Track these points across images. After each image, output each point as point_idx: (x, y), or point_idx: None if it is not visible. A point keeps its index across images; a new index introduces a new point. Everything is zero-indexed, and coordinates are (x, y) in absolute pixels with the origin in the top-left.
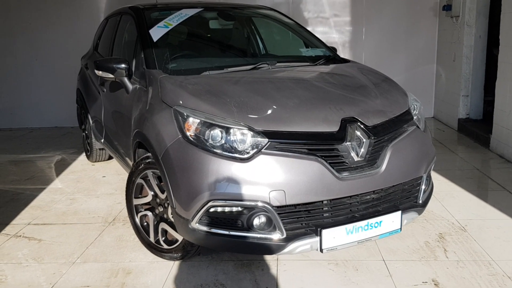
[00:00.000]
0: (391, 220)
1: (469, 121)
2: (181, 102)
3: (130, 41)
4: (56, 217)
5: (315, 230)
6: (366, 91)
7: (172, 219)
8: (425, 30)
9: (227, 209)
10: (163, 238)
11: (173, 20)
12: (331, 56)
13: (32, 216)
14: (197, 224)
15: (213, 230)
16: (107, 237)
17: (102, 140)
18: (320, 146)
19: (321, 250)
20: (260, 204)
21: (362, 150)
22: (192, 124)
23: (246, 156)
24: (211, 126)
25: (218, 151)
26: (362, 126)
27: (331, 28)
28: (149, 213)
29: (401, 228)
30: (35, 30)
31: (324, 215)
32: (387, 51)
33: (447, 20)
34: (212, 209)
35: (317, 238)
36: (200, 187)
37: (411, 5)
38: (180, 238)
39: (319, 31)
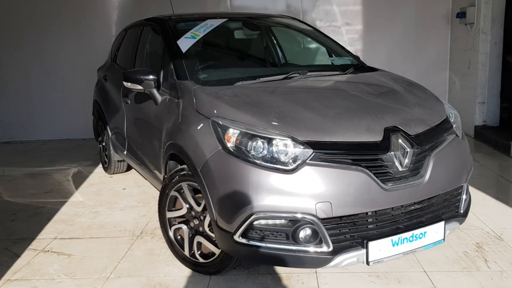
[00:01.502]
0: (435, 231)
1: (486, 128)
2: (219, 113)
3: (154, 52)
4: (82, 231)
5: (361, 243)
6: (403, 100)
7: (208, 232)
8: (437, 38)
9: (270, 221)
10: (199, 252)
11: (200, 31)
12: (359, 64)
13: (57, 230)
14: (240, 238)
15: (257, 243)
16: (138, 251)
17: (125, 152)
18: (365, 156)
19: (368, 263)
20: (306, 216)
21: (406, 160)
22: (232, 135)
23: (290, 167)
24: (253, 137)
25: (261, 162)
26: (404, 135)
27: (343, 37)
28: (184, 226)
29: (444, 239)
30: (47, 43)
31: (369, 226)
32: (399, 59)
33: (460, 28)
34: (256, 222)
35: (363, 251)
36: (243, 199)
37: (422, 13)
38: (217, 251)
39: None
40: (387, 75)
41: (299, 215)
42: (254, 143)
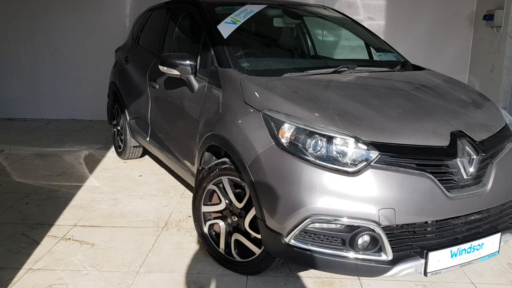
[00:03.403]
0: (491, 242)
1: None
2: (271, 105)
3: (187, 36)
4: (103, 219)
5: (421, 252)
6: (463, 103)
7: (249, 230)
8: (458, 39)
9: (326, 225)
10: (236, 250)
11: (240, 16)
12: (405, 62)
13: (76, 216)
14: (292, 240)
15: (310, 247)
16: (165, 244)
17: (147, 139)
18: (430, 162)
19: (425, 274)
20: (368, 223)
21: (472, 167)
22: (287, 130)
23: (353, 169)
24: (312, 134)
25: (320, 162)
26: (470, 141)
27: None
28: (221, 222)
29: (499, 251)
30: (57, 18)
31: (429, 236)
32: (419, 57)
33: (485, 30)
34: (310, 225)
35: (422, 261)
36: (299, 200)
37: (445, 13)
38: (257, 251)
39: None
40: (439, 75)
41: (360, 222)
42: (312, 141)
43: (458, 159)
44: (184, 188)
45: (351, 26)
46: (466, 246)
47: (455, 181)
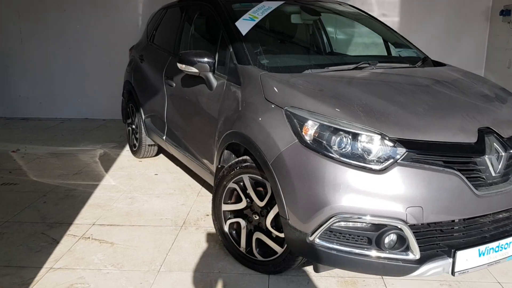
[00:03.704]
0: None
1: None
2: (293, 102)
3: (203, 34)
4: (121, 217)
5: (448, 252)
6: (488, 99)
7: (271, 229)
8: (474, 35)
9: (351, 224)
10: (257, 249)
11: (258, 13)
12: (426, 58)
13: (94, 215)
14: (317, 239)
15: (336, 247)
16: (184, 243)
17: (164, 138)
18: (458, 159)
19: (453, 273)
20: (395, 221)
21: (500, 164)
22: (311, 127)
23: (380, 166)
24: (336, 131)
25: (346, 159)
26: (498, 138)
27: None
28: (242, 221)
29: None
30: (70, 17)
31: (456, 234)
32: (434, 53)
33: (502, 26)
34: (336, 224)
35: (450, 260)
36: (324, 198)
37: (460, 8)
38: (279, 250)
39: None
40: (461, 71)
41: (387, 220)
42: (337, 138)
43: (486, 156)
44: (201, 186)
45: (369, 22)
46: (494, 245)
47: (483, 178)
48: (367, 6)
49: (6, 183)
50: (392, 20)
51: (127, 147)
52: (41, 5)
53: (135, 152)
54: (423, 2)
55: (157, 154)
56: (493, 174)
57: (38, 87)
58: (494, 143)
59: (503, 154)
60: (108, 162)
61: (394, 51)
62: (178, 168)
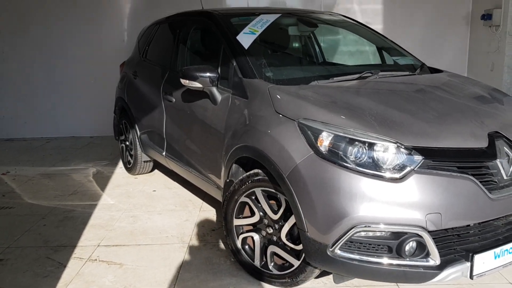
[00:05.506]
0: None
1: None
2: (306, 114)
3: (202, 48)
4: (125, 237)
5: (466, 256)
6: (492, 103)
7: (286, 242)
8: (455, 39)
9: (371, 233)
10: (272, 263)
11: (257, 26)
12: (424, 65)
13: (98, 236)
14: (338, 251)
15: (357, 257)
16: (194, 260)
17: (163, 153)
18: (471, 164)
19: (471, 277)
20: (415, 229)
21: (511, 167)
22: (326, 139)
23: (398, 175)
24: (352, 141)
25: (363, 169)
26: (507, 141)
27: None
28: (255, 235)
29: None
30: (54, 35)
31: (472, 238)
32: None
33: (483, 29)
34: (356, 234)
35: (468, 264)
36: (344, 209)
37: (441, 14)
38: (296, 263)
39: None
40: (459, 77)
41: (408, 228)
42: (354, 148)
43: (498, 159)
44: (202, 201)
45: (363, 31)
46: (508, 246)
47: (495, 182)
48: (351, 15)
49: (2, 207)
50: (375, 27)
51: (120, 164)
52: (24, 23)
53: (129, 169)
54: (405, 10)
55: (152, 170)
56: (505, 177)
57: (22, 106)
58: (504, 147)
59: None
60: (103, 180)
61: (390, 59)
62: (175, 183)
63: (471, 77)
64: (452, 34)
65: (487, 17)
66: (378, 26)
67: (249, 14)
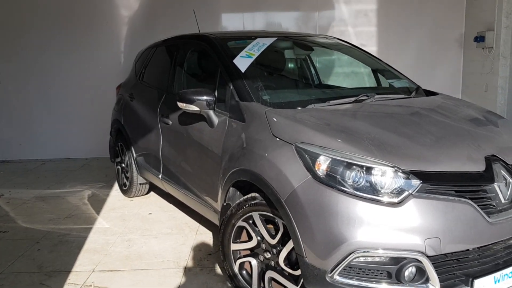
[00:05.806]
0: None
1: None
2: (303, 138)
3: (199, 71)
4: (121, 262)
5: (465, 280)
6: (488, 126)
7: (284, 267)
8: (450, 61)
9: (370, 258)
10: None
11: (254, 50)
12: (419, 87)
13: (93, 261)
14: (337, 276)
15: (355, 283)
16: (191, 285)
17: (160, 176)
18: (469, 188)
19: None
20: (414, 254)
21: (509, 191)
22: (323, 162)
23: (396, 199)
24: (350, 165)
25: (361, 193)
26: (504, 165)
27: None
28: (253, 260)
29: None
30: (50, 58)
31: (471, 263)
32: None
33: (476, 51)
34: (355, 260)
35: None
36: (342, 234)
37: (436, 36)
38: None
39: None
40: (455, 100)
41: (407, 253)
42: (352, 172)
43: (496, 183)
44: (198, 224)
45: (358, 54)
46: (507, 271)
47: (493, 206)
48: (346, 37)
49: None
50: (370, 49)
51: (116, 186)
52: (19, 45)
53: (125, 191)
54: (398, 32)
55: (148, 193)
56: (503, 201)
57: (17, 128)
58: (501, 171)
59: (510, 180)
60: (98, 203)
61: (385, 82)
62: (171, 206)
63: (466, 98)
64: (445, 56)
65: (480, 39)
66: (372, 48)
67: (246, 37)
